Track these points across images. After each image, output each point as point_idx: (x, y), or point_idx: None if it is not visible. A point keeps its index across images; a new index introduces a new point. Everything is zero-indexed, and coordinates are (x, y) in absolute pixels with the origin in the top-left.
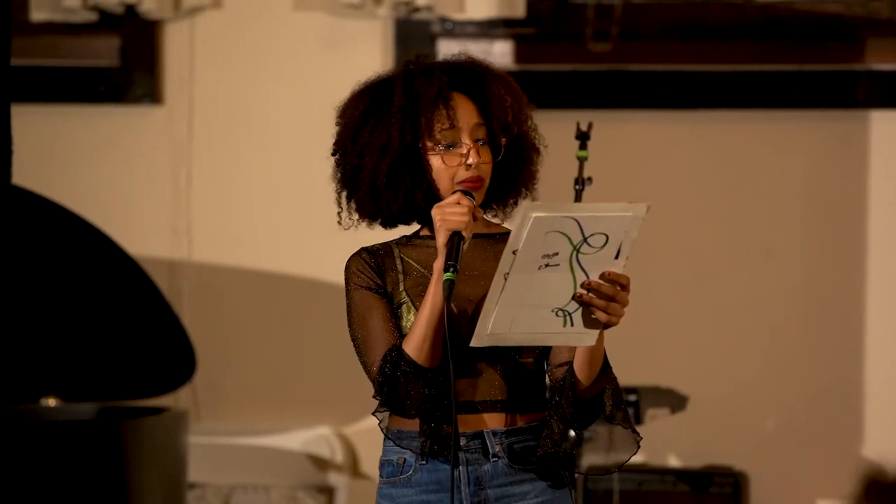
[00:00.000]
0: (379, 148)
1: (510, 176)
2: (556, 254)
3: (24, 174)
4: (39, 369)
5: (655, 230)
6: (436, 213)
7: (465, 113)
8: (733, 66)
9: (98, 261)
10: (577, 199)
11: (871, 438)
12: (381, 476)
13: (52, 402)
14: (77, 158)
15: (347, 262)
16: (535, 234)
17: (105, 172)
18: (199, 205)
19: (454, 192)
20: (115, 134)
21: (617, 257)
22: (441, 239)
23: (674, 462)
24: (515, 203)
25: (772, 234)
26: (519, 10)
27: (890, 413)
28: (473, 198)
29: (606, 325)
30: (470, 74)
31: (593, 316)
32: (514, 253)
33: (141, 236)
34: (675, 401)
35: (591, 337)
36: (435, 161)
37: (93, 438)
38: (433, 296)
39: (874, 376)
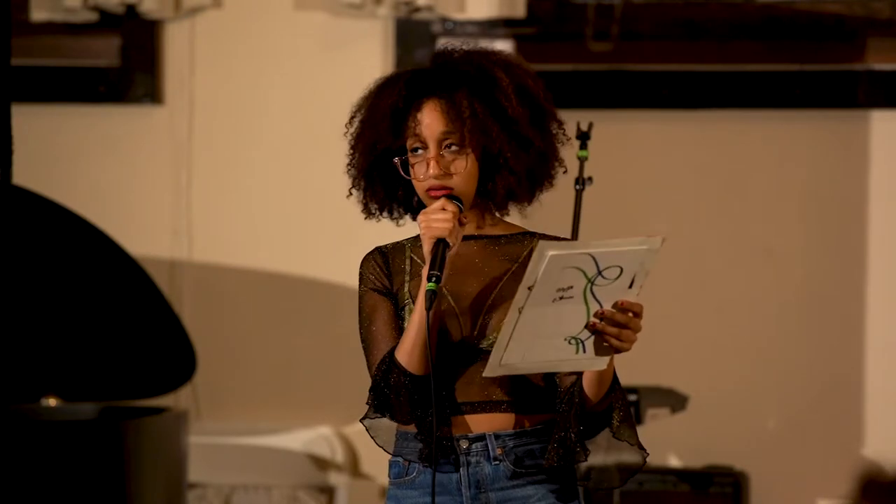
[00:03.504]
0: (357, 154)
1: (495, 179)
2: (571, 287)
3: (24, 174)
4: (39, 369)
5: (656, 230)
6: (420, 219)
7: (432, 121)
8: (733, 66)
9: (98, 261)
10: (578, 198)
11: (870, 438)
12: (389, 476)
13: (52, 402)
14: (77, 158)
15: (361, 261)
16: (550, 271)
17: (105, 172)
18: (199, 205)
19: (442, 198)
20: (115, 134)
21: (631, 286)
22: (426, 247)
23: (674, 462)
24: (520, 200)
25: (772, 234)
26: (519, 9)
27: (890, 413)
28: (460, 202)
29: (618, 351)
30: (441, 78)
31: (605, 344)
32: (529, 289)
33: (141, 236)
34: (675, 401)
35: (602, 362)
36: (413, 169)
37: (93, 438)
38: (420, 303)
39: (874, 376)
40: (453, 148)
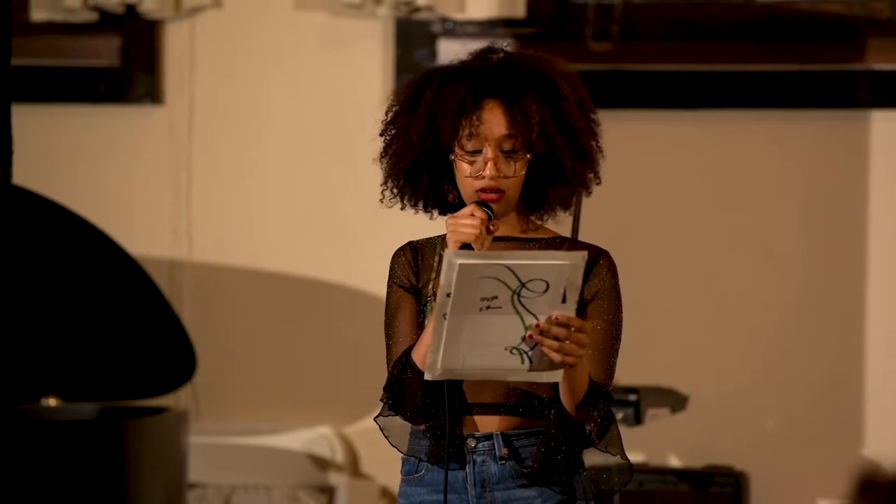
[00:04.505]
0: (403, 145)
1: (545, 186)
2: (496, 297)
3: (24, 174)
4: (39, 369)
5: (656, 230)
6: (449, 223)
7: (493, 123)
8: (733, 66)
9: (98, 261)
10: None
11: (870, 438)
12: (401, 473)
13: (52, 402)
14: (77, 158)
15: (393, 254)
16: (464, 280)
17: (105, 172)
18: (199, 205)
19: (472, 203)
20: (115, 134)
21: (565, 301)
22: (451, 250)
23: (674, 462)
24: (565, 207)
25: (772, 234)
26: (519, 9)
27: (890, 413)
28: (490, 210)
29: (563, 365)
30: (507, 80)
31: (544, 357)
32: (448, 295)
33: (141, 236)
34: (675, 401)
35: (555, 375)
36: (461, 166)
37: (93, 438)
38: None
39: (874, 376)
40: (510, 151)
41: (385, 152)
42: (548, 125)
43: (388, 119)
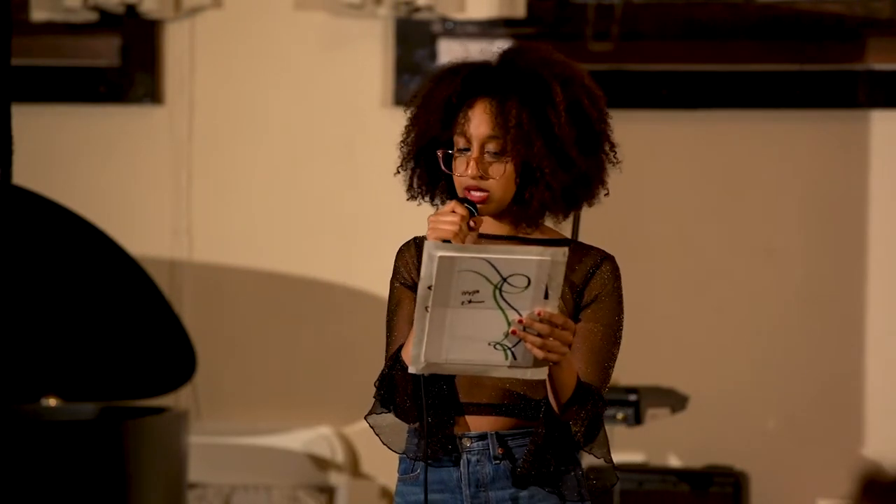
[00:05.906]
0: (406, 139)
1: (531, 191)
2: (477, 291)
3: (24, 174)
4: (39, 369)
5: (656, 230)
6: (429, 220)
7: (479, 122)
8: (733, 66)
9: (98, 261)
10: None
11: (870, 438)
12: (398, 472)
13: (52, 402)
14: (77, 158)
15: (398, 250)
16: (444, 272)
17: (105, 172)
18: (200, 205)
19: (454, 200)
20: (115, 134)
21: (547, 297)
22: (431, 241)
23: (674, 462)
24: (554, 213)
25: (772, 234)
26: (519, 9)
27: (890, 413)
28: (473, 206)
29: (546, 362)
30: (496, 81)
31: (528, 354)
32: (429, 288)
33: (141, 236)
34: (675, 401)
35: (540, 372)
36: (454, 162)
37: (93, 438)
38: None
39: (874, 376)
40: (496, 152)
41: (400, 145)
42: (527, 129)
43: (407, 113)
